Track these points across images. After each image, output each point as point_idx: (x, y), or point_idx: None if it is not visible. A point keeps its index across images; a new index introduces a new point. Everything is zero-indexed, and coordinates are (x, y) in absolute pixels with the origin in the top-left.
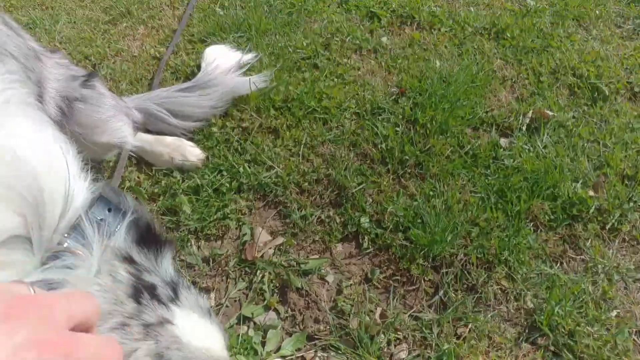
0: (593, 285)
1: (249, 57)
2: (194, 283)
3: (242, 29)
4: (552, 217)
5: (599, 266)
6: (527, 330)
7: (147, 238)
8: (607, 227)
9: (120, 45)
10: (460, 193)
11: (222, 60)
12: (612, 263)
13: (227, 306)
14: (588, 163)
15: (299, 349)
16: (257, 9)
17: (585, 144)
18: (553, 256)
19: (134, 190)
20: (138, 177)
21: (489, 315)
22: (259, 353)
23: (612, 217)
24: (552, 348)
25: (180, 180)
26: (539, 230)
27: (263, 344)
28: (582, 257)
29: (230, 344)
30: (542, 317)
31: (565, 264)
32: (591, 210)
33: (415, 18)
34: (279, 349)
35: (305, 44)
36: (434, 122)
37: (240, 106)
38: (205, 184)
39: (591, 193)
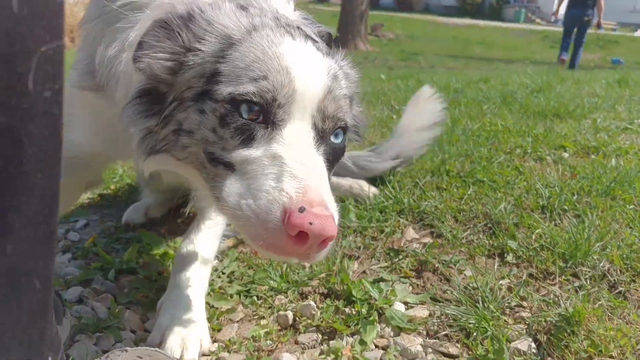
0: None
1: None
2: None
3: None
4: None
5: None
6: None
7: None
8: None
9: None
10: (615, 231)
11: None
12: None
13: (366, 272)
14: None
15: (422, 302)
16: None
17: None
18: None
19: None
20: None
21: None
22: (376, 298)
23: None
24: None
25: (352, 200)
26: None
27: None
28: None
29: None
30: None
31: None
32: None
33: None
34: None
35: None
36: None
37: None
38: (373, 204)
39: None
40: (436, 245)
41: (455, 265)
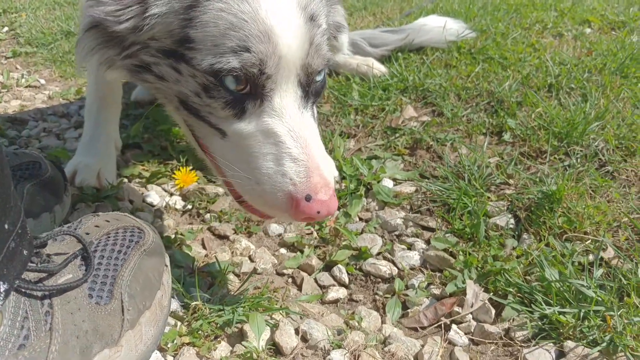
0: None
1: (466, 32)
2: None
3: None
4: None
5: None
6: None
7: None
8: None
9: None
10: (618, 111)
11: (432, 22)
12: None
13: (361, 150)
14: None
15: (411, 179)
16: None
17: None
18: None
19: None
20: None
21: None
22: (365, 174)
23: None
24: None
25: (358, 79)
26: None
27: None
28: None
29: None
30: None
31: None
32: None
33: None
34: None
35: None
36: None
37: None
38: (377, 83)
39: None
40: (434, 123)
41: (449, 143)
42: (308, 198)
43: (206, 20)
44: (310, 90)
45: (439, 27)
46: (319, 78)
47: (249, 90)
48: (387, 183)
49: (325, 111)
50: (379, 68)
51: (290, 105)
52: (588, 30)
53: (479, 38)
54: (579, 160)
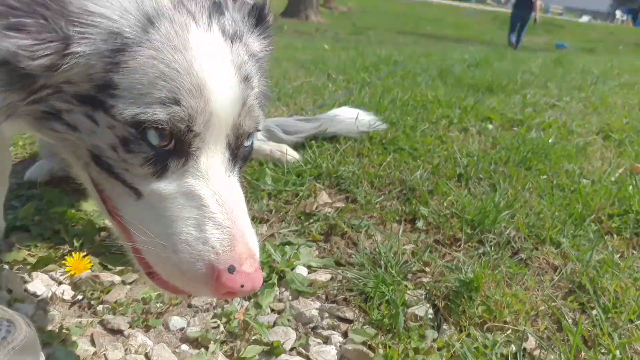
0: None
1: (378, 124)
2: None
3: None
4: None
5: None
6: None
7: None
8: None
9: None
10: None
11: (345, 113)
12: None
13: (274, 236)
14: None
15: (325, 267)
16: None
17: None
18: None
19: None
20: None
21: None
22: (278, 261)
23: None
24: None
25: (271, 165)
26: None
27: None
28: None
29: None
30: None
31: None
32: None
33: None
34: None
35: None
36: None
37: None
38: (291, 168)
39: None
40: (348, 209)
41: (364, 230)
42: (231, 269)
43: (134, 67)
44: (239, 154)
45: (351, 118)
46: (247, 142)
47: (174, 147)
48: (301, 271)
49: None
50: (293, 154)
51: (217, 166)
52: (490, 126)
53: (390, 130)
54: (492, 248)
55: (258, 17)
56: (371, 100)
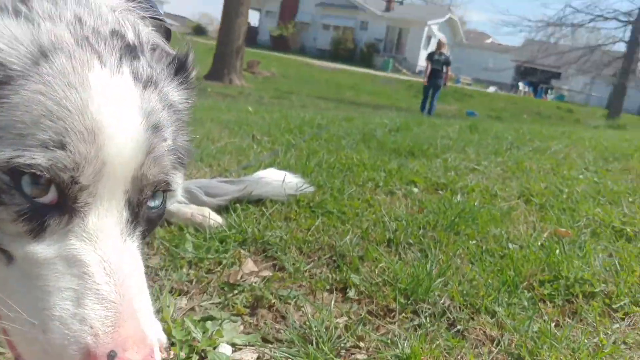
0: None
1: (305, 186)
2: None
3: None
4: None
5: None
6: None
7: None
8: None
9: None
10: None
11: (271, 175)
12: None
13: (194, 309)
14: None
15: (251, 344)
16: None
17: None
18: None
19: None
20: None
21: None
22: (199, 339)
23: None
24: None
25: (192, 229)
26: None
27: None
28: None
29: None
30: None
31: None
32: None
33: None
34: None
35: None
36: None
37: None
38: (213, 234)
39: None
40: (276, 278)
41: (293, 301)
42: (112, 356)
43: (16, 103)
44: (141, 214)
45: (278, 180)
46: (154, 202)
47: (56, 201)
48: (225, 349)
49: (154, 264)
50: (216, 218)
51: (110, 228)
52: (415, 189)
53: (317, 192)
54: (428, 319)
55: (179, 67)
56: (297, 162)
